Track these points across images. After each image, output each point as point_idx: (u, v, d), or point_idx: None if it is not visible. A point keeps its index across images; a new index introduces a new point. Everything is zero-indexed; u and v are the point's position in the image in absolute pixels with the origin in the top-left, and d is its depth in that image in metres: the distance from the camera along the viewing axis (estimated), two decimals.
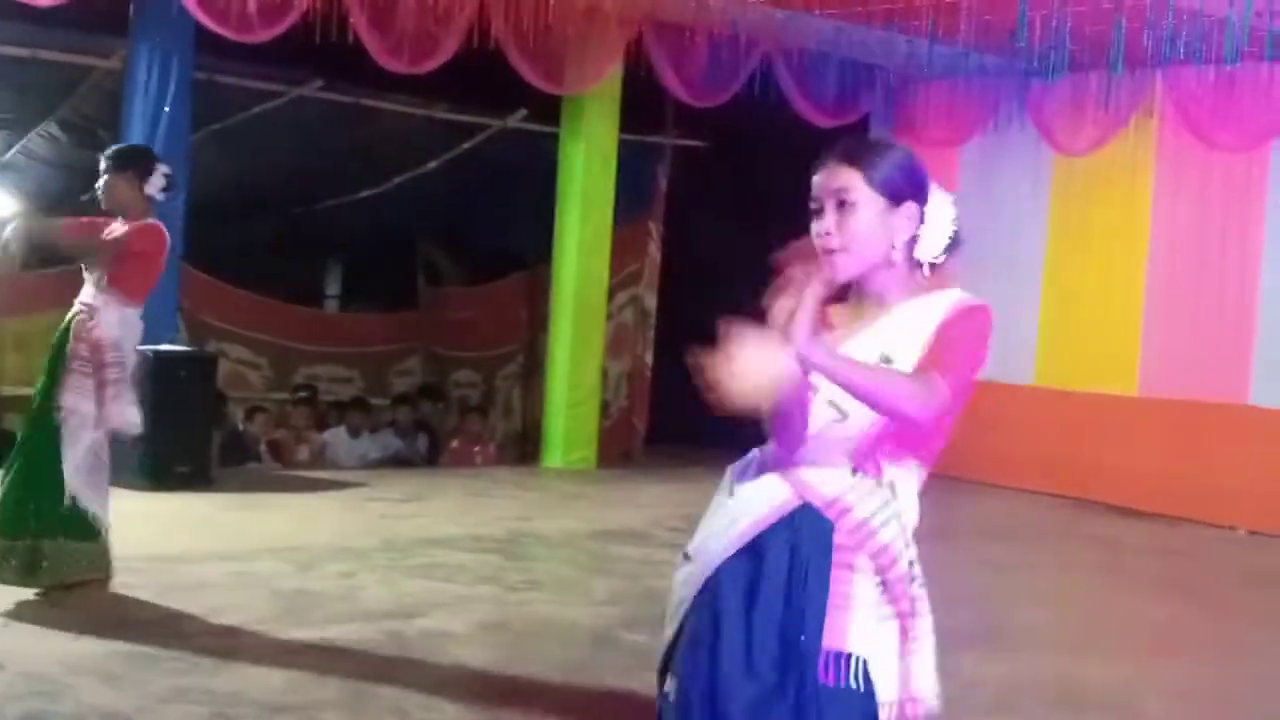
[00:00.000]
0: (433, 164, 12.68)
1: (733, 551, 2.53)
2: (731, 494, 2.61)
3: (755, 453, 2.65)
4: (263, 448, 11.23)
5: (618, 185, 11.49)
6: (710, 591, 2.53)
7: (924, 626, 2.50)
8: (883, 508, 2.49)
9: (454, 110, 11.85)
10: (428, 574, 6.83)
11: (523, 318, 13.72)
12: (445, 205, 13.41)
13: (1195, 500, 10.04)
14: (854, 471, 2.51)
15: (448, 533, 8.06)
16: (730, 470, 2.66)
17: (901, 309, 2.56)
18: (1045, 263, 11.48)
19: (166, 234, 5.95)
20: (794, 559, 2.49)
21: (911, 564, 2.49)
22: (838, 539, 2.48)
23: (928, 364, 2.44)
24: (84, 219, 6.17)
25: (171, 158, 9.69)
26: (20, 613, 5.46)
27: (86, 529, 5.70)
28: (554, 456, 11.40)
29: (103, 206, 5.97)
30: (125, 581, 5.97)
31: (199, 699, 4.58)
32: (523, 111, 11.84)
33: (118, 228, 5.85)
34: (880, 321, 2.56)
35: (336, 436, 11.78)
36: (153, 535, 7.14)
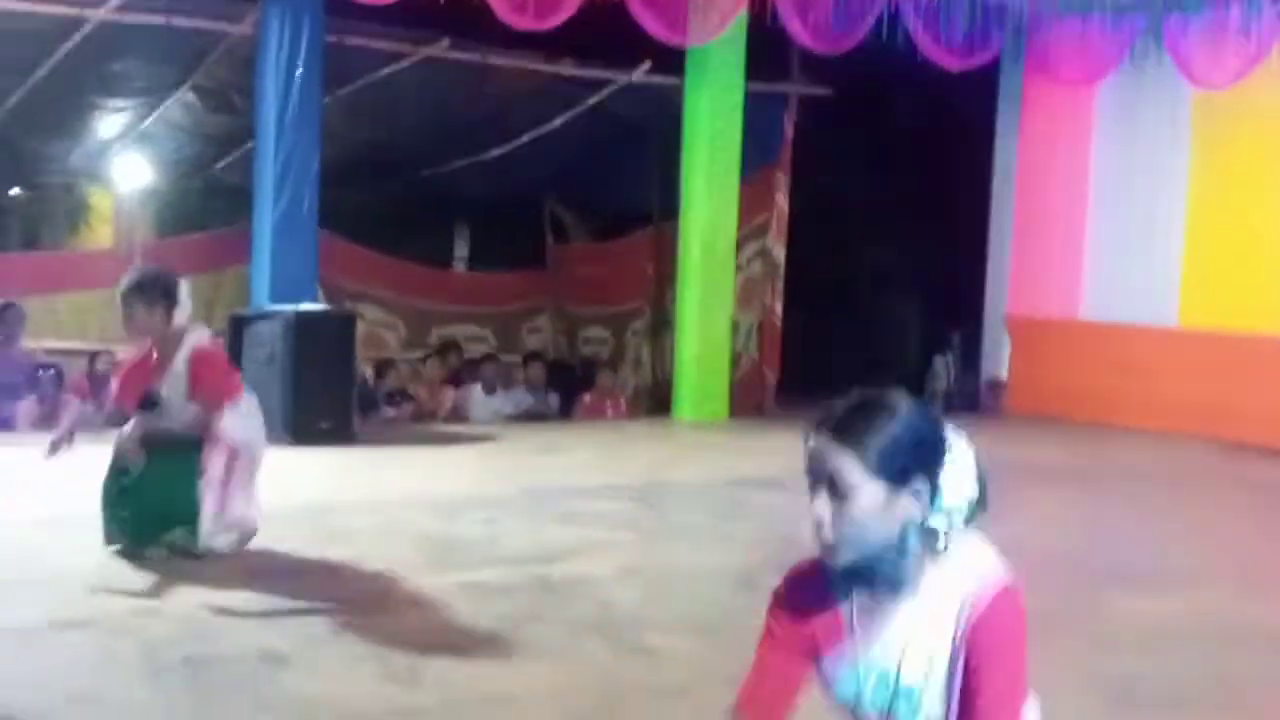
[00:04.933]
0: (558, 121, 12.72)
1: None
2: None
3: None
4: (398, 407, 11.38)
5: (744, 136, 11.41)
6: None
7: None
8: None
9: (578, 66, 11.86)
10: (567, 521, 6.89)
11: (649, 273, 13.73)
12: (571, 162, 13.46)
13: None
14: None
15: (584, 482, 8.12)
16: None
17: (910, 605, 2.26)
18: (1188, 201, 11.18)
19: (218, 344, 6.01)
20: None
21: None
22: None
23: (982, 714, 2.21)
24: (125, 380, 5.96)
25: (304, 121, 9.97)
26: (173, 565, 5.60)
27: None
28: (685, 409, 11.41)
29: (126, 334, 6.02)
30: (276, 532, 6.10)
31: (355, 640, 4.66)
32: (647, 64, 11.81)
33: (175, 364, 5.78)
34: (895, 617, 2.28)
35: (472, 393, 11.90)
36: (300, 488, 7.29)
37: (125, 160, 13.01)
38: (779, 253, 12.60)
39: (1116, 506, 7.42)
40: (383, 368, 11.81)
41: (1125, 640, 4.83)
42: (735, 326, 12.02)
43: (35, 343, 11.39)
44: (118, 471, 5.76)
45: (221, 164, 13.10)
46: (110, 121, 12.27)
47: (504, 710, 4.04)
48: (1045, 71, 11.36)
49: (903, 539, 2.22)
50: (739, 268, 12.03)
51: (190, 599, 5.12)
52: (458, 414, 11.66)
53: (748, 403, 12.06)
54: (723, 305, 11.59)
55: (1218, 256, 10.91)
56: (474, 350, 13.59)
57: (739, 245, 11.87)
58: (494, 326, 14.69)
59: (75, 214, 14.50)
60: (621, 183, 13.68)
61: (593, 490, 7.81)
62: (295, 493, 7.06)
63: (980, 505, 2.28)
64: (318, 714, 3.93)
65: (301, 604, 5.09)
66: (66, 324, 12.32)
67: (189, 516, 5.68)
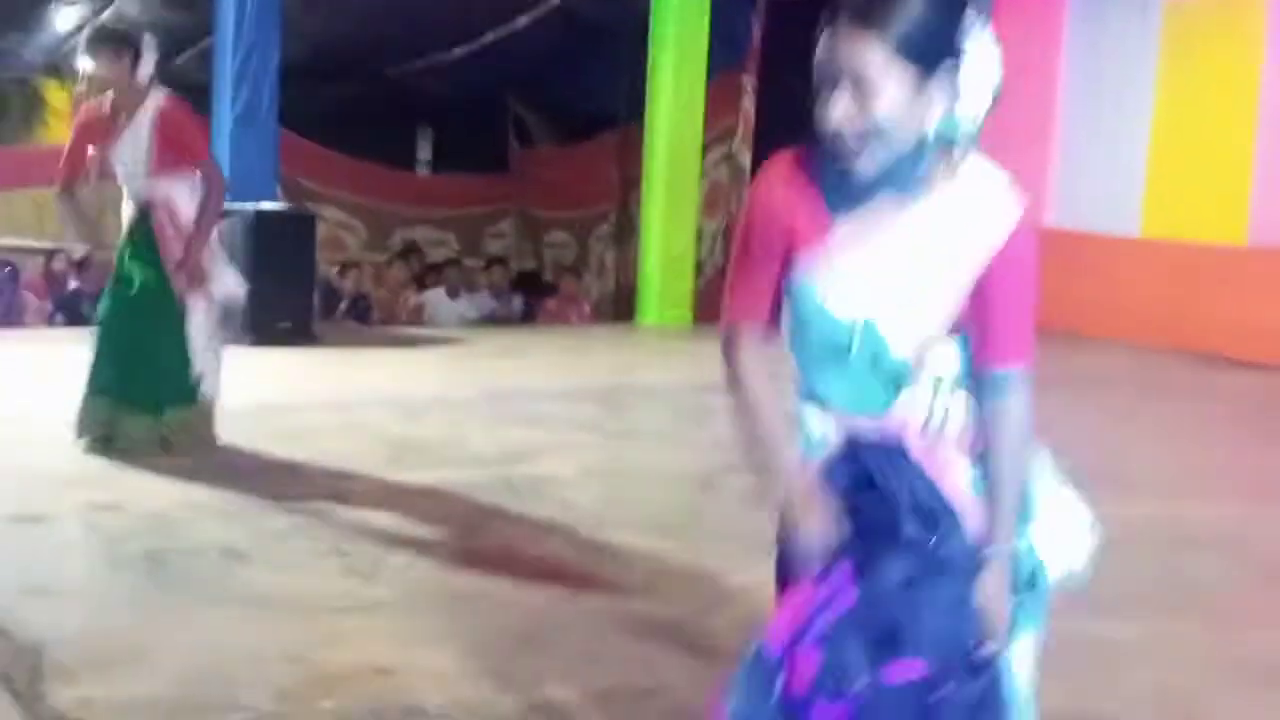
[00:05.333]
0: (522, 20, 12.55)
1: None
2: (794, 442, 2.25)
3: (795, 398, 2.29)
4: (364, 317, 11.32)
5: (710, 37, 11.28)
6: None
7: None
8: (936, 401, 2.18)
9: None
10: (531, 423, 6.88)
11: (615, 177, 13.65)
12: (535, 64, 13.31)
13: None
14: (895, 390, 2.19)
15: (548, 385, 8.11)
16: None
17: (925, 206, 2.11)
18: (1153, 111, 11.15)
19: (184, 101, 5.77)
20: (873, 501, 2.20)
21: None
22: (914, 452, 2.19)
23: (1004, 349, 2.15)
24: (75, 147, 5.74)
25: (264, 16, 9.79)
26: (135, 461, 5.56)
27: (195, 394, 5.76)
28: (649, 314, 11.40)
29: (88, 90, 5.76)
30: (238, 429, 6.06)
31: (315, 535, 4.66)
32: None
33: (142, 113, 5.58)
34: (905, 218, 2.12)
35: (435, 297, 11.85)
36: (260, 387, 7.24)
37: (82, 55, 12.77)
38: (745, 158, 12.52)
39: (1077, 413, 7.47)
40: (345, 270, 11.74)
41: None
42: (700, 232, 11.97)
43: None
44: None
45: (180, 60, 12.86)
46: (67, 14, 12.03)
47: (465, 604, 4.05)
48: None
49: (924, 136, 2.04)
50: (704, 173, 11.95)
51: (151, 495, 5.10)
52: (420, 317, 11.62)
53: (712, 309, 12.02)
54: (688, 210, 11.54)
55: (1181, 168, 10.91)
56: (436, 254, 13.52)
57: (704, 150, 11.79)
58: (456, 230, 14.61)
59: (31, 109, 14.26)
60: (587, 85, 13.54)
61: (555, 393, 7.80)
62: (256, 392, 7.01)
63: (995, 105, 2.09)
64: (277, 607, 3.93)
65: (262, 500, 5.07)
66: (23, 221, 12.17)
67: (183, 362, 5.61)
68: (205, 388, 5.77)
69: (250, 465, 5.66)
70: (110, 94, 5.64)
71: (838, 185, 2.11)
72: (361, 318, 11.26)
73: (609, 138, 13.72)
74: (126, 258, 5.68)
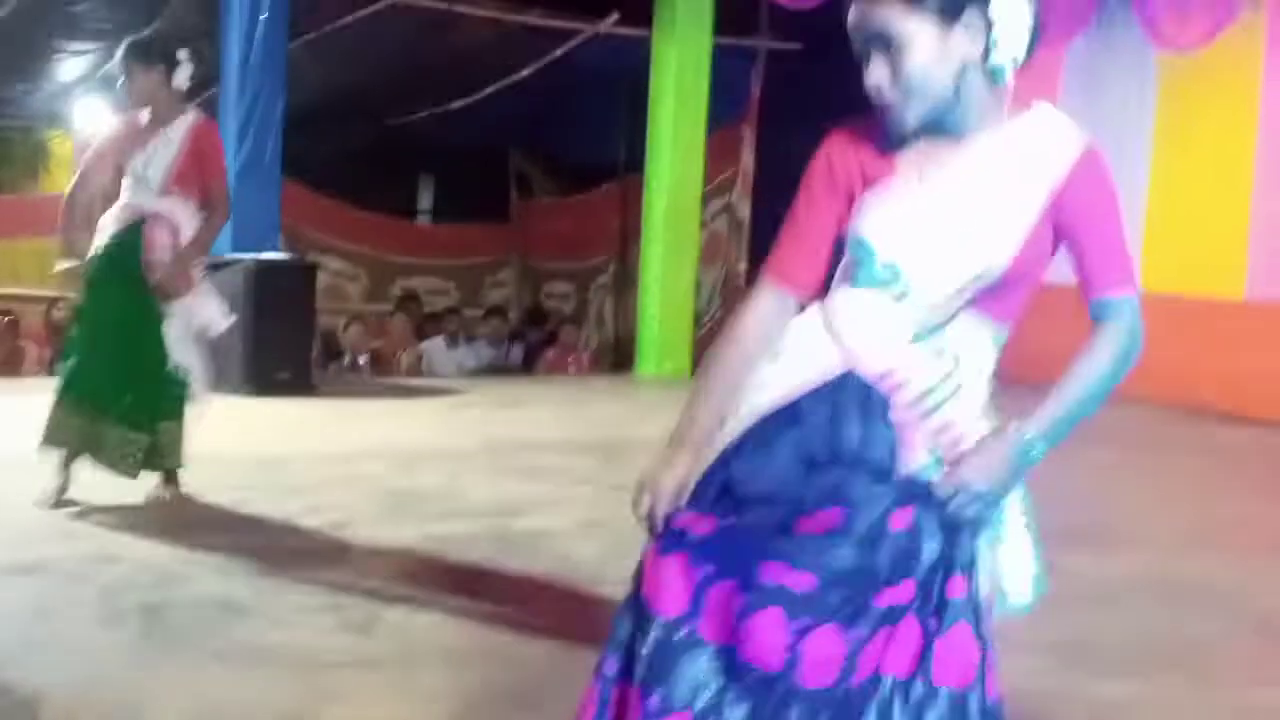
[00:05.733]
0: (524, 72, 12.65)
1: (769, 411, 2.23)
2: (777, 357, 2.26)
3: (814, 308, 2.30)
4: (362, 359, 11.34)
5: (710, 90, 11.37)
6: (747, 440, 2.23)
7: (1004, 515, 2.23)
8: (943, 382, 2.18)
9: (546, 16, 11.78)
10: (527, 475, 6.88)
11: (614, 228, 13.71)
12: (537, 114, 13.40)
13: None
14: (916, 338, 2.19)
15: (545, 437, 8.11)
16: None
17: (980, 148, 2.18)
18: (1151, 166, 11.22)
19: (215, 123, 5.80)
20: (836, 428, 2.18)
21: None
22: (894, 415, 2.18)
23: (1100, 278, 2.19)
24: (106, 150, 5.74)
25: (268, 67, 9.85)
26: (132, 510, 5.57)
27: (178, 410, 5.65)
28: (648, 365, 11.42)
29: (129, 105, 5.75)
30: (236, 481, 6.08)
31: (313, 590, 4.65)
32: (614, 16, 11.74)
33: (172, 128, 5.59)
34: (954, 166, 2.19)
35: (434, 346, 11.87)
36: (259, 438, 7.27)
37: (86, 104, 12.86)
38: (744, 209, 12.59)
39: (1071, 467, 7.47)
40: (349, 323, 11.76)
41: (1080, 600, 4.87)
42: (699, 283, 12.01)
43: None
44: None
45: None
46: (71, 65, 12.11)
47: (461, 661, 4.04)
48: None
49: (962, 79, 2.14)
50: (704, 224, 12.01)
51: (148, 546, 5.10)
52: (420, 367, 11.63)
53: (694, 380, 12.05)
54: (687, 262, 11.58)
55: (1179, 221, 10.96)
56: (436, 303, 13.55)
57: (704, 201, 11.85)
58: (457, 279, 14.66)
59: (34, 158, 14.34)
60: (587, 136, 13.63)
61: (554, 445, 7.81)
62: (255, 443, 7.04)
63: (1036, 45, 2.18)
64: (274, 662, 3.92)
65: (259, 553, 5.07)
66: (24, 270, 12.20)
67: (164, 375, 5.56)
68: (195, 394, 5.67)
69: (248, 518, 5.66)
70: (148, 109, 5.65)
71: (895, 136, 2.20)
72: (361, 369, 11.28)
73: (609, 189, 13.79)
74: (105, 267, 5.62)
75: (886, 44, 2.11)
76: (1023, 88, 2.24)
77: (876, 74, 2.13)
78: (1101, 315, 2.23)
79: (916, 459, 2.18)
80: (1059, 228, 2.19)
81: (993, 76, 2.17)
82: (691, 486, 2.28)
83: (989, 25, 2.13)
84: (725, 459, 2.27)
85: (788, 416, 2.22)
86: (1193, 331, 10.62)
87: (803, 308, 2.30)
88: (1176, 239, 10.97)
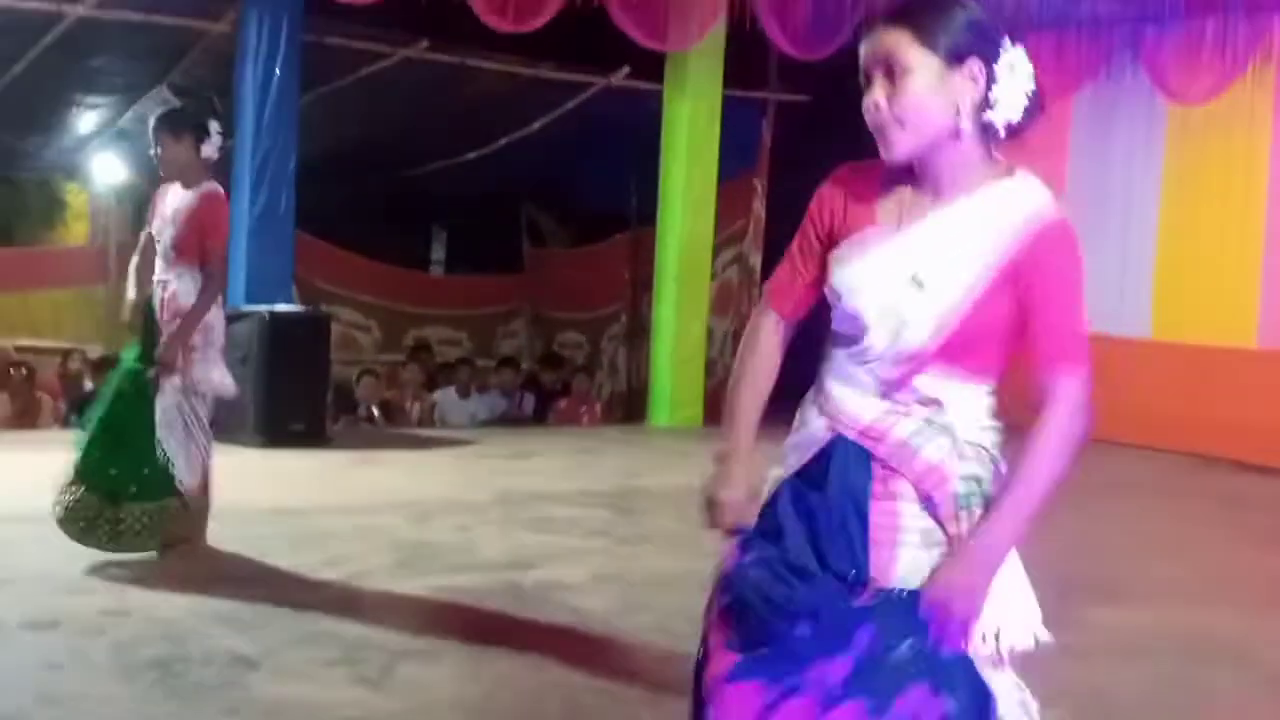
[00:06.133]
0: (537, 124, 12.73)
1: (771, 495, 2.35)
2: (798, 428, 2.40)
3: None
4: (374, 410, 11.36)
5: (721, 142, 11.43)
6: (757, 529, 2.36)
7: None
8: (925, 425, 2.22)
9: (558, 69, 11.87)
10: (541, 527, 6.88)
11: (626, 278, 13.74)
12: (549, 166, 13.47)
13: None
14: (888, 394, 2.25)
15: (558, 488, 8.11)
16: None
17: (957, 206, 2.23)
18: (1160, 215, 11.24)
19: (225, 199, 5.89)
20: (828, 496, 2.26)
21: (978, 481, 2.22)
22: (877, 469, 2.23)
23: (1048, 356, 2.22)
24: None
25: (282, 121, 9.93)
26: (145, 565, 5.58)
27: (167, 487, 5.59)
28: (660, 415, 11.42)
29: (161, 174, 5.82)
30: (249, 534, 6.09)
31: (325, 644, 4.65)
32: (626, 69, 11.83)
33: (182, 198, 5.69)
34: (928, 220, 2.24)
35: (446, 396, 11.89)
36: (272, 490, 7.28)
37: (102, 157, 12.97)
38: (755, 259, 12.62)
39: (1087, 517, 7.46)
40: (362, 375, 11.78)
41: (1096, 651, 4.85)
42: (711, 333, 12.04)
43: (8, 340, 11.33)
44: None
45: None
46: (87, 118, 12.23)
47: (474, 715, 4.04)
48: None
49: (954, 129, 2.20)
50: (715, 274, 12.05)
51: (161, 600, 5.11)
52: (433, 418, 11.65)
53: (722, 410, 12.05)
54: (699, 311, 11.61)
55: (1189, 270, 10.97)
56: (449, 353, 13.58)
57: (715, 251, 11.89)
58: (469, 329, 14.68)
59: (50, 210, 14.45)
60: (599, 187, 13.69)
61: (566, 496, 7.81)
62: (268, 495, 7.06)
63: (1032, 115, 2.25)
64: (286, 717, 3.93)
65: (272, 606, 5.07)
66: (40, 321, 12.26)
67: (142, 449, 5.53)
68: (180, 477, 5.58)
69: (260, 571, 5.67)
70: (179, 180, 5.72)
71: (886, 184, 2.29)
72: (375, 421, 11.30)
73: (621, 239, 13.84)
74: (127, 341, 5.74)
75: (890, 68, 2.19)
76: (1032, 137, 2.28)
77: (875, 95, 2.21)
78: (1047, 394, 2.24)
79: (900, 520, 2.23)
80: (1017, 296, 2.22)
81: (985, 133, 2.23)
82: (760, 489, 2.40)
83: (991, 80, 2.20)
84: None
85: (792, 492, 2.34)
86: (1205, 380, 10.61)
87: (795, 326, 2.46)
88: (1187, 287, 10.98)
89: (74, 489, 5.57)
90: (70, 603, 5.03)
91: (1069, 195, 11.63)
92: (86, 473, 5.57)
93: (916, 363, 2.22)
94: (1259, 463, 9.91)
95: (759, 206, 12.54)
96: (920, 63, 2.18)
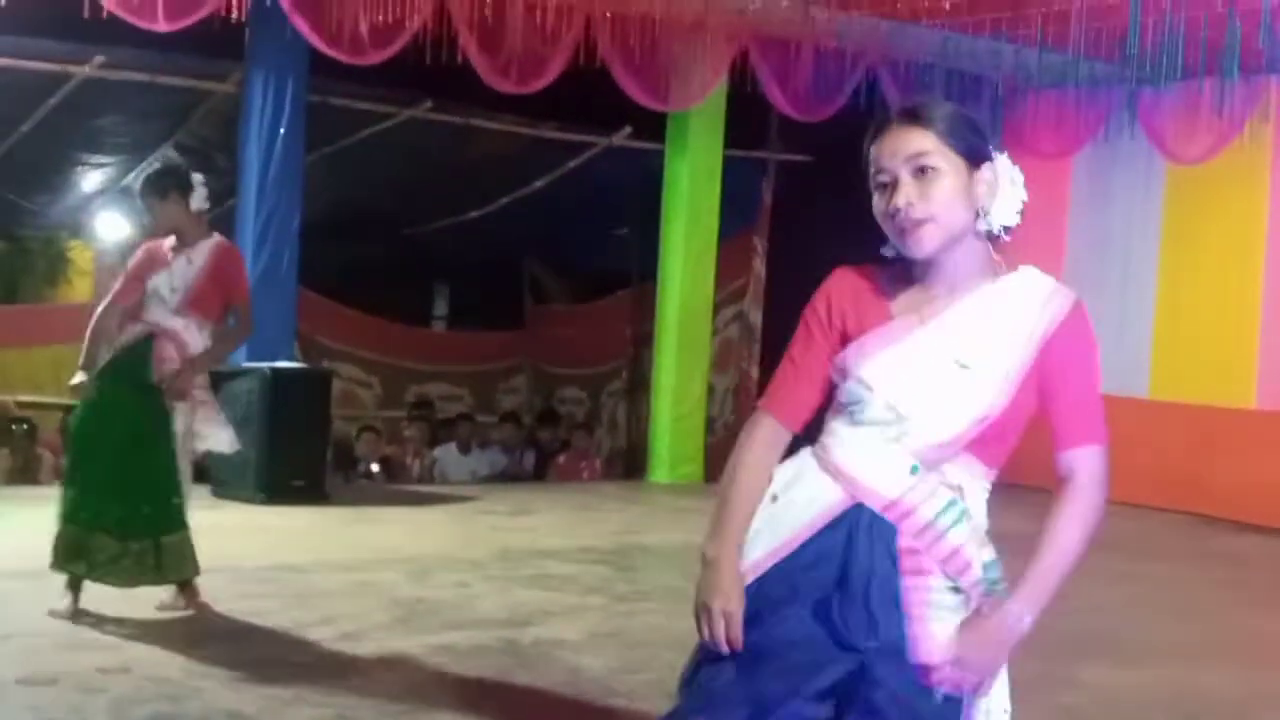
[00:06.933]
0: (539, 183, 12.83)
1: (776, 560, 2.31)
2: (775, 499, 2.35)
3: (806, 452, 2.39)
4: (375, 466, 11.38)
5: (722, 201, 11.51)
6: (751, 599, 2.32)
7: None
8: (948, 508, 2.25)
9: (560, 129, 11.97)
10: (539, 584, 6.88)
11: (627, 334, 13.79)
12: (551, 224, 13.54)
13: None
14: (914, 470, 2.26)
15: (557, 545, 8.11)
16: (777, 472, 2.40)
17: (975, 297, 2.29)
18: (1158, 274, 11.29)
19: (239, 252, 5.95)
20: (849, 566, 2.25)
21: (987, 567, 2.27)
22: (902, 543, 2.25)
23: (1074, 431, 2.28)
24: (132, 276, 5.82)
25: (286, 180, 10.01)
26: (143, 622, 5.59)
27: (181, 521, 5.68)
28: (660, 472, 11.43)
29: (156, 235, 5.88)
30: (247, 590, 6.10)
31: (321, 703, 4.65)
32: (628, 129, 11.94)
33: (193, 251, 5.72)
34: (951, 312, 2.28)
35: (446, 452, 11.91)
36: (272, 546, 7.29)
37: (106, 215, 13.05)
38: (756, 317, 12.68)
39: (1085, 577, 7.45)
40: (362, 432, 11.80)
41: (1093, 712, 4.85)
42: (711, 390, 12.07)
43: (10, 395, 11.35)
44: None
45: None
46: (93, 177, 12.32)
47: None
48: (1021, 143, 11.48)
49: (972, 227, 2.27)
50: (716, 331, 12.11)
51: (158, 657, 5.11)
52: (432, 474, 11.66)
53: (722, 466, 12.01)
54: (699, 368, 11.64)
55: (1188, 329, 11.01)
56: (450, 409, 13.59)
57: (716, 309, 11.97)
58: (470, 386, 14.71)
59: (55, 267, 14.51)
60: (601, 245, 13.78)
61: (565, 553, 7.81)
62: (268, 552, 7.07)
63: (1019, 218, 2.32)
64: None
65: (269, 664, 5.08)
66: (42, 378, 12.28)
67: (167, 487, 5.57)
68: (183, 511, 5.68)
69: (258, 628, 5.67)
70: (173, 236, 5.75)
71: (891, 283, 2.33)
72: (375, 477, 11.31)
73: (622, 296, 13.91)
74: (113, 376, 5.68)
75: (921, 169, 2.23)
76: (1033, 200, 2.35)
77: (906, 194, 2.23)
78: (1072, 467, 2.30)
79: (925, 596, 2.25)
80: (1042, 376, 2.28)
81: (988, 235, 2.32)
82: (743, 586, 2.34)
83: (996, 186, 2.29)
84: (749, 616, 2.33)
85: (802, 562, 2.30)
86: (1204, 440, 10.61)
87: (797, 438, 2.41)
88: (1185, 346, 11.02)
89: (78, 533, 5.58)
90: (69, 659, 5.03)
91: (1068, 254, 11.73)
92: (94, 516, 5.57)
93: (953, 449, 2.27)
94: (1259, 523, 9.90)
95: (759, 265, 12.62)
96: (951, 165, 2.23)
